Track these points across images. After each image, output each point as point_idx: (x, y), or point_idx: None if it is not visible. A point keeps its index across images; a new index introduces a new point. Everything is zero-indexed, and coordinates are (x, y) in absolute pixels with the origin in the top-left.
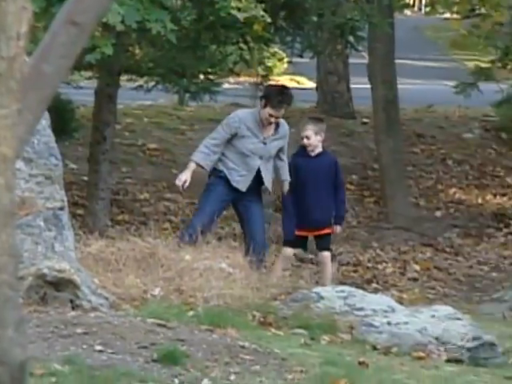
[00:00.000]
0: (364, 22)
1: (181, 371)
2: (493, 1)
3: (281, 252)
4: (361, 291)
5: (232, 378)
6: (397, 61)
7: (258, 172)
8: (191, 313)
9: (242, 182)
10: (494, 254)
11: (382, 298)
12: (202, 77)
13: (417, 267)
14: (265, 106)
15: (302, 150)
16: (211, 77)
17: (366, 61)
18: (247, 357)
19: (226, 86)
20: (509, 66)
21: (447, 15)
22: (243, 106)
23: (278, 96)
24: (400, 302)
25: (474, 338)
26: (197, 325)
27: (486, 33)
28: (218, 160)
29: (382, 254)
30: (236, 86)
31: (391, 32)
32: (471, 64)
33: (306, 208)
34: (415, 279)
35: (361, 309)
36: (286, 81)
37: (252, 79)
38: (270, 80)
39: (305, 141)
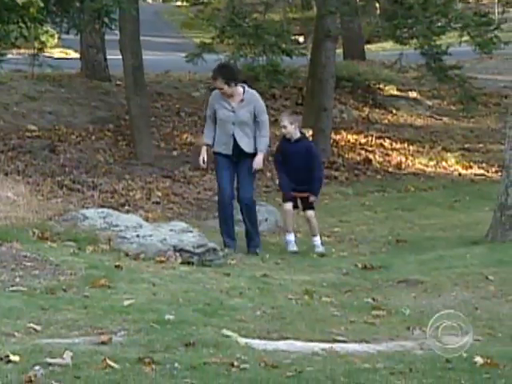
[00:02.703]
0: (115, 7)
1: None
2: None
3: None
4: (116, 212)
5: (17, 280)
6: (142, 37)
7: (235, 137)
8: None
9: (226, 148)
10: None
11: (132, 217)
12: None
13: (159, 193)
14: None
15: (284, 137)
16: None
17: (118, 37)
18: (29, 264)
19: (9, 56)
20: (225, 42)
21: (179, 3)
22: (24, 72)
23: (214, 71)
24: (146, 219)
25: (202, 246)
26: None
27: (207, 16)
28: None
29: (133, 184)
30: (18, 56)
31: (136, 15)
32: (198, 40)
33: (290, 180)
34: (158, 203)
35: (116, 225)
36: (57, 53)
37: (30, 51)
38: (44, 52)
39: (283, 130)
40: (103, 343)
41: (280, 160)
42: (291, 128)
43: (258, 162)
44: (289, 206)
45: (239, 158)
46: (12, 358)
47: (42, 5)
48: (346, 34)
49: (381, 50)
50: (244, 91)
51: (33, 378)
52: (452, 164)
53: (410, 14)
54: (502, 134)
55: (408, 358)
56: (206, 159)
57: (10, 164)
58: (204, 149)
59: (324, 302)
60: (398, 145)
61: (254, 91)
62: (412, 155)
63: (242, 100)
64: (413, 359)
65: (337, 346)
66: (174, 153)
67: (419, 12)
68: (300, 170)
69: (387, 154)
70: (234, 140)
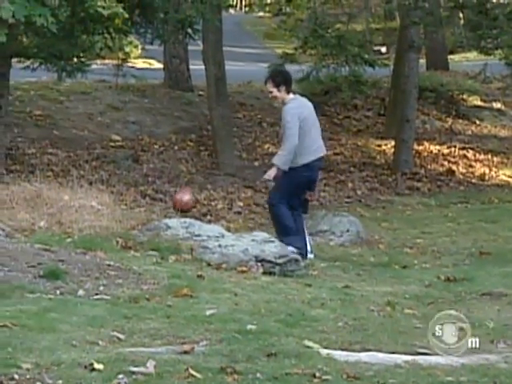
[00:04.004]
0: (199, 18)
1: (61, 284)
2: (295, 2)
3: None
4: (198, 222)
5: (101, 288)
6: (224, 48)
7: None
8: (69, 240)
9: None
10: None
11: (214, 227)
12: (75, 59)
13: (240, 204)
14: None
15: None
16: (82, 59)
17: (200, 47)
18: (112, 272)
19: (94, 66)
20: (307, 52)
21: (261, 14)
22: (108, 83)
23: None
24: (228, 229)
25: (283, 256)
26: (73, 249)
27: (290, 27)
28: None
29: (215, 194)
30: (102, 66)
31: (219, 25)
32: (280, 50)
33: None
34: (239, 213)
35: (198, 235)
36: (140, 63)
37: (114, 61)
38: (128, 62)
39: None
40: (186, 352)
41: None
42: None
43: (268, 173)
44: None
45: None
46: (96, 366)
47: (126, 16)
48: (430, 45)
49: (464, 60)
50: (288, 102)
51: None
52: None
53: (495, 25)
54: None
55: (492, 372)
56: None
57: (94, 173)
58: None
59: (406, 314)
60: (481, 156)
61: (290, 105)
62: (496, 166)
63: None
64: (497, 373)
65: (420, 359)
66: (256, 163)
67: (504, 22)
68: None
69: (470, 166)
70: None
